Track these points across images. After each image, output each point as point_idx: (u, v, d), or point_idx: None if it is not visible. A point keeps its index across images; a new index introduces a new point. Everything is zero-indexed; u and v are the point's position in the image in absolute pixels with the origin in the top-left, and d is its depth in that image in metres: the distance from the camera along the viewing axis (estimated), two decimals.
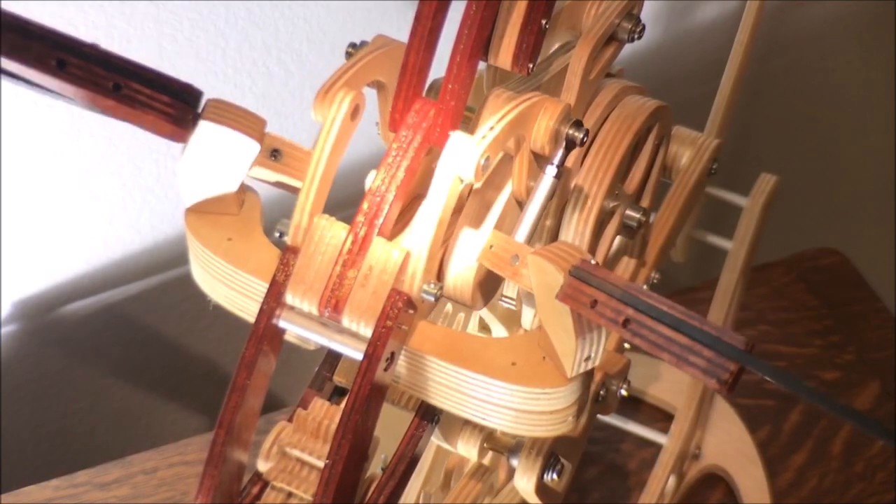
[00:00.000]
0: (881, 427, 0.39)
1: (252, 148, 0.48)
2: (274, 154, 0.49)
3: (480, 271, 0.48)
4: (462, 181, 0.46)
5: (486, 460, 0.58)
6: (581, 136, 0.48)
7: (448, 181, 0.46)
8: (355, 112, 0.47)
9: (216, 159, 0.48)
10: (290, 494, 0.47)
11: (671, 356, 0.41)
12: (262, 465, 0.47)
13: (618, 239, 0.60)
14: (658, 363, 0.88)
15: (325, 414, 0.47)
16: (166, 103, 0.46)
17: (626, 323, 0.42)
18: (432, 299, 0.46)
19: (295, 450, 0.47)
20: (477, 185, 0.47)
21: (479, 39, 0.47)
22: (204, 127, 0.47)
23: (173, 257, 0.91)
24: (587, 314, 0.43)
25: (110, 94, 0.44)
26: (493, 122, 0.46)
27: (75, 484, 0.84)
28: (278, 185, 0.50)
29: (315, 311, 0.46)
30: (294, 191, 0.49)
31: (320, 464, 0.46)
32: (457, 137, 0.46)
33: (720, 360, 0.41)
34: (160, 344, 0.97)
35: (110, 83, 0.45)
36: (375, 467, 0.49)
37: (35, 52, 0.43)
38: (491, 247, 0.48)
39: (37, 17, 0.43)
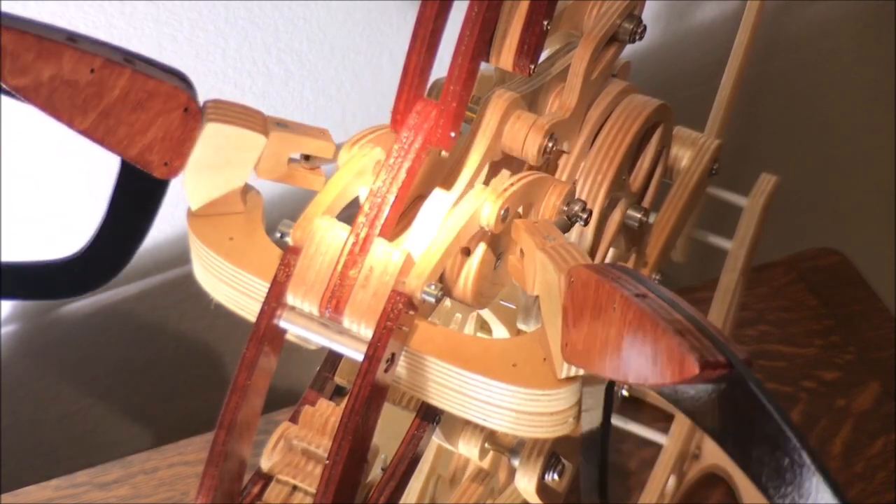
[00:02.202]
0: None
1: (259, 142, 0.48)
2: (280, 125, 0.49)
3: (484, 269, 0.49)
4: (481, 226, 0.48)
5: (487, 462, 0.58)
6: (585, 216, 0.51)
7: (468, 217, 0.47)
8: (377, 166, 0.48)
9: (224, 159, 0.48)
10: (294, 488, 0.47)
11: (667, 325, 0.40)
12: (266, 463, 0.47)
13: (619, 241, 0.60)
14: None
15: (332, 411, 0.48)
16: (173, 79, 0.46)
17: (641, 296, 0.42)
18: (433, 301, 0.46)
19: (301, 443, 0.47)
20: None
21: (481, 40, 0.47)
22: (210, 129, 0.47)
23: (173, 257, 0.91)
24: (603, 283, 0.43)
25: (125, 64, 0.45)
26: (513, 180, 0.49)
27: (75, 484, 0.84)
28: (285, 179, 0.50)
29: (316, 312, 0.46)
30: (305, 163, 0.50)
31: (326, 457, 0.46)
32: (479, 189, 0.48)
33: (713, 349, 0.39)
34: (160, 344, 0.97)
35: (121, 57, 0.45)
36: (376, 468, 0.49)
37: (45, 29, 0.43)
38: (535, 222, 0.48)
39: (37, 17, 0.44)
